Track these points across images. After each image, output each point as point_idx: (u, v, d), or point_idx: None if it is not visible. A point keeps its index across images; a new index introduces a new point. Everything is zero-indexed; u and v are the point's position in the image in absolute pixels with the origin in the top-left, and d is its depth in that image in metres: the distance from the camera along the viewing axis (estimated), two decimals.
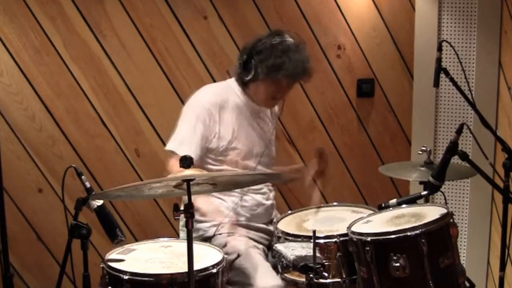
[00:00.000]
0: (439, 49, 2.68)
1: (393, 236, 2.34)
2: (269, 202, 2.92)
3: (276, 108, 3.02)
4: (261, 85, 2.78)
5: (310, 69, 2.79)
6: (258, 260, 2.66)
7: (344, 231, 2.50)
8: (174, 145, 2.74)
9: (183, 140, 2.73)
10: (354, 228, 2.47)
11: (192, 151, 2.65)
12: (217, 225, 2.74)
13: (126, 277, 2.27)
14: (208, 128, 2.75)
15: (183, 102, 3.00)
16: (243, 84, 2.84)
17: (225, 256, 2.42)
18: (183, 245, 2.18)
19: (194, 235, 2.66)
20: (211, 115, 2.76)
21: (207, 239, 2.74)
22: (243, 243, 2.70)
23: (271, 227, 2.87)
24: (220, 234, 2.75)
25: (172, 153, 2.73)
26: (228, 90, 2.86)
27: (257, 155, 2.84)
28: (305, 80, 2.85)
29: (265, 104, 2.88)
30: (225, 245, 2.67)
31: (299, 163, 3.70)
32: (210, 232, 2.77)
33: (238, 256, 2.65)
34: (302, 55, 2.75)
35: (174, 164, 2.63)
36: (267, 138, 2.92)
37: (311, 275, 2.32)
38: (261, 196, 2.88)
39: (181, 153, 2.63)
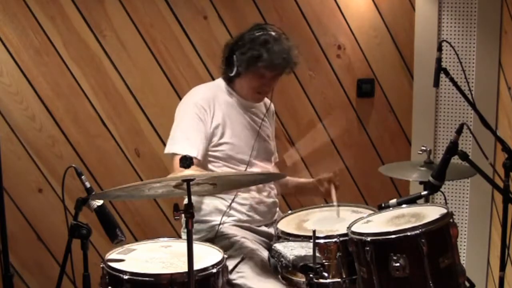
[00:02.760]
0: (439, 49, 2.68)
1: (393, 236, 2.33)
2: (270, 200, 2.89)
3: (272, 105, 3.00)
4: (245, 79, 2.77)
5: (292, 59, 2.74)
6: (262, 265, 2.63)
7: (344, 231, 2.50)
8: (174, 147, 2.68)
9: (184, 140, 2.69)
10: (354, 228, 2.47)
11: (195, 149, 2.64)
12: (218, 225, 2.73)
13: (126, 277, 2.26)
14: (205, 124, 2.73)
15: None
16: (229, 81, 2.83)
17: (225, 256, 2.41)
18: (183, 245, 2.18)
19: (196, 236, 2.67)
20: (205, 110, 2.74)
21: (209, 241, 2.69)
22: (248, 247, 2.68)
23: (271, 230, 2.85)
24: (223, 235, 2.73)
25: (174, 156, 2.64)
26: (216, 88, 2.86)
27: (251, 149, 2.81)
28: (288, 70, 2.80)
29: (252, 99, 2.85)
30: (229, 248, 2.66)
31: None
32: (213, 233, 2.75)
33: (243, 259, 2.64)
34: (282, 46, 2.71)
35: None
36: (262, 133, 2.90)
37: (311, 275, 2.32)
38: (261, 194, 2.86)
39: (185, 153, 2.62)
